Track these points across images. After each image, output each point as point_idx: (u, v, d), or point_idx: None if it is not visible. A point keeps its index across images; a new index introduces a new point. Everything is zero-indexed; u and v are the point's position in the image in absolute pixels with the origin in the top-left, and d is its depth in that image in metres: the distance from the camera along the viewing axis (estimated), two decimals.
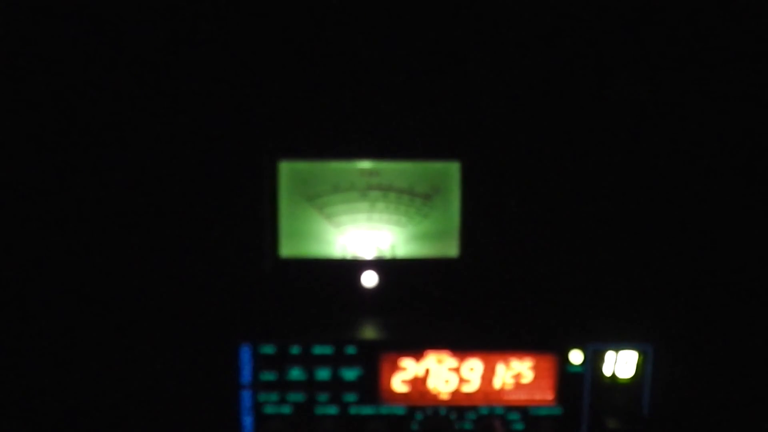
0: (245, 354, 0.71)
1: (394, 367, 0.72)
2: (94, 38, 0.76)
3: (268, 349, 0.71)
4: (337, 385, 0.72)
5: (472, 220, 0.79)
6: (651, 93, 0.79)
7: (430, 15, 0.78)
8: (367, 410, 0.72)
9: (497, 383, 0.72)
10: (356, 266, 0.79)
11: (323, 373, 0.71)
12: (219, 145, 0.78)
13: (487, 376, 0.72)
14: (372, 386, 0.72)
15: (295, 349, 0.71)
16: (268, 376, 0.71)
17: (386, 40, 0.78)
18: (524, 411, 0.72)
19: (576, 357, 0.71)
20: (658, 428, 0.72)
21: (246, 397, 0.72)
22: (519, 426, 0.72)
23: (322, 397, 0.72)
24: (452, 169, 0.79)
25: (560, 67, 0.78)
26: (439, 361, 0.72)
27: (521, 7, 0.77)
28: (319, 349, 0.71)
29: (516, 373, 0.72)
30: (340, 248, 0.79)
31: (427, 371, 0.72)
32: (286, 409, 0.72)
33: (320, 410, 0.72)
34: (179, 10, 0.76)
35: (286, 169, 0.79)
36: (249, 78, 0.78)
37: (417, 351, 0.72)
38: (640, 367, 0.71)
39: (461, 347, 0.72)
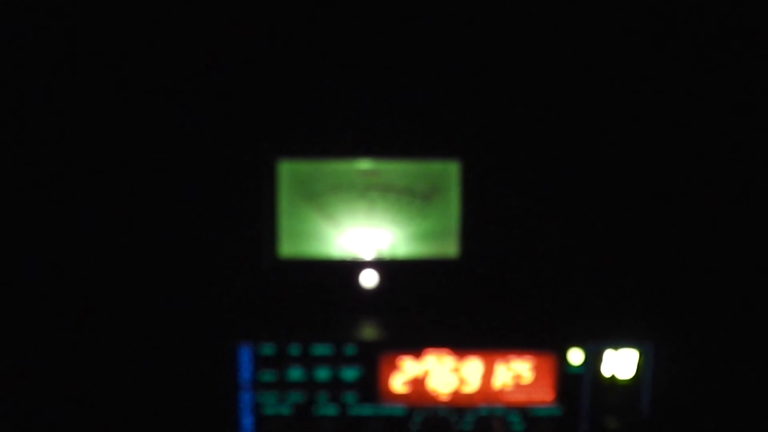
0: (244, 354, 0.71)
1: (394, 367, 0.72)
2: (92, 37, 0.76)
3: (268, 349, 0.71)
4: (336, 385, 0.72)
5: (472, 220, 0.79)
6: (652, 93, 0.79)
7: (429, 14, 0.77)
8: (366, 410, 0.72)
9: (497, 383, 0.72)
10: (356, 266, 0.79)
11: (323, 373, 0.71)
12: (218, 144, 0.78)
13: (487, 376, 0.72)
14: (371, 386, 0.72)
15: (294, 349, 0.71)
16: (268, 376, 0.71)
17: (385, 40, 0.78)
18: (524, 411, 0.72)
19: (576, 356, 0.71)
20: (658, 428, 0.72)
21: (245, 397, 0.71)
22: (519, 426, 0.72)
23: (322, 397, 0.72)
24: (452, 169, 0.79)
25: (560, 66, 0.78)
26: (439, 361, 0.72)
27: (521, 5, 0.77)
28: (318, 349, 0.71)
29: (516, 374, 0.72)
30: (340, 248, 0.79)
31: (427, 371, 0.72)
32: (285, 410, 0.72)
33: (320, 410, 0.72)
34: (178, 9, 0.76)
35: (286, 169, 0.79)
36: (248, 77, 0.78)
37: (416, 351, 0.72)
38: (641, 366, 0.71)
39: (461, 347, 0.72)
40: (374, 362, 0.71)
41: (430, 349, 0.72)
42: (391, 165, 0.79)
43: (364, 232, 0.79)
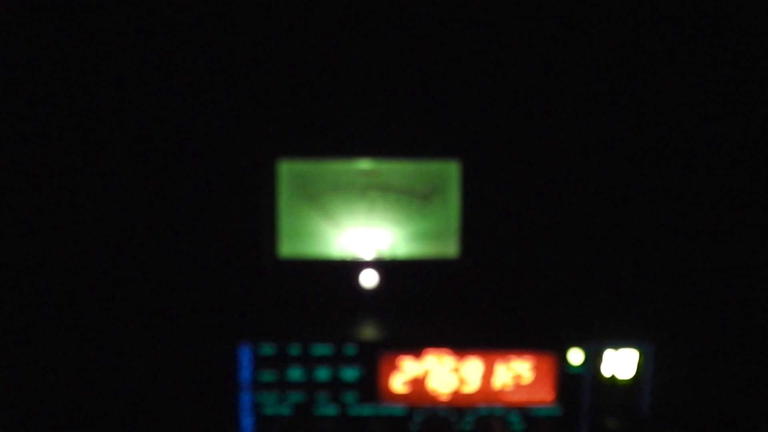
0: (244, 354, 0.71)
1: (394, 367, 0.72)
2: (92, 36, 0.76)
3: (268, 349, 0.71)
4: (336, 385, 0.72)
5: (472, 220, 0.79)
6: (651, 93, 0.79)
7: (429, 13, 0.77)
8: (366, 410, 0.72)
9: (497, 383, 0.72)
10: (356, 266, 0.79)
11: (323, 373, 0.71)
12: (218, 144, 0.78)
13: (487, 376, 0.72)
14: (371, 386, 0.72)
15: (294, 349, 0.71)
16: (268, 376, 0.71)
17: (385, 39, 0.78)
18: (524, 411, 0.72)
19: (576, 356, 0.71)
20: (657, 428, 0.72)
21: (245, 397, 0.71)
22: (519, 426, 0.72)
23: (322, 397, 0.72)
24: (451, 169, 0.79)
25: (560, 66, 0.78)
26: (439, 361, 0.72)
27: (520, 5, 0.77)
28: (318, 349, 0.71)
29: (516, 374, 0.72)
30: (340, 248, 0.79)
31: (427, 371, 0.72)
32: (285, 410, 0.72)
33: (320, 410, 0.72)
34: (179, 8, 0.76)
35: (286, 168, 0.79)
36: (248, 77, 0.78)
37: (416, 351, 0.72)
38: (641, 366, 0.71)
39: (461, 347, 0.72)
40: (374, 362, 0.71)
41: (430, 349, 0.72)
42: (391, 165, 0.79)
43: (364, 232, 0.79)
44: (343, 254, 0.79)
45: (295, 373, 0.71)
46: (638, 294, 0.79)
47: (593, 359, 0.71)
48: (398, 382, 0.72)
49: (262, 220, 0.79)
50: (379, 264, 0.79)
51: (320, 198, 0.79)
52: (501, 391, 0.72)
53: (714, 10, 0.77)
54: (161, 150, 0.78)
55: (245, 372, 0.71)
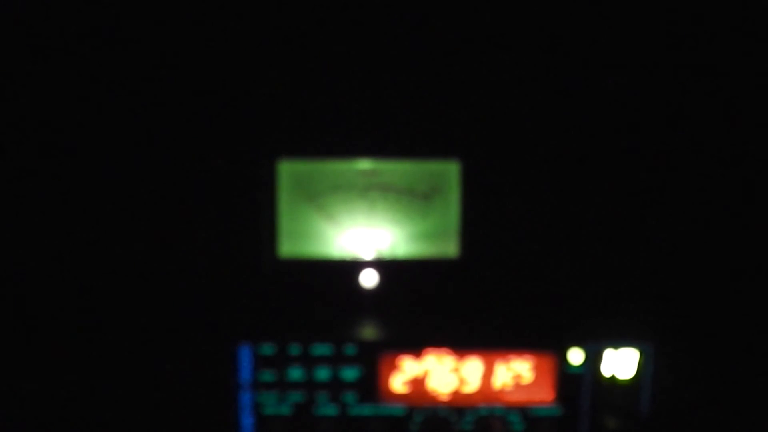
0: (244, 354, 0.71)
1: (394, 367, 0.72)
2: (92, 37, 0.76)
3: (268, 349, 0.71)
4: (336, 385, 0.72)
5: (472, 220, 0.79)
6: (651, 93, 0.79)
7: (430, 13, 0.77)
8: (366, 410, 0.72)
9: (497, 383, 0.72)
10: (356, 266, 0.79)
11: (323, 373, 0.71)
12: (218, 144, 0.78)
13: (487, 376, 0.72)
14: (371, 386, 0.72)
15: (294, 349, 0.71)
16: (268, 376, 0.71)
17: (385, 39, 0.78)
18: (524, 411, 0.72)
19: (576, 356, 0.71)
20: (658, 428, 0.72)
21: (245, 397, 0.71)
22: (519, 426, 0.72)
23: (322, 397, 0.72)
24: (452, 169, 0.79)
25: (560, 66, 0.78)
26: (439, 361, 0.72)
27: (521, 5, 0.77)
28: (318, 349, 0.71)
29: (516, 374, 0.72)
30: (340, 248, 0.79)
31: (427, 371, 0.72)
32: (285, 410, 0.72)
33: (320, 410, 0.72)
34: (178, 8, 0.76)
35: (286, 168, 0.79)
36: (248, 77, 0.78)
37: (416, 351, 0.72)
38: (641, 366, 0.71)
39: (461, 347, 0.72)
40: (374, 362, 0.71)
41: (430, 349, 0.72)
42: (391, 165, 0.79)
43: (364, 232, 0.79)
44: (343, 254, 0.79)
45: (295, 373, 0.71)
46: (638, 294, 0.79)
47: (593, 359, 0.71)
48: (398, 382, 0.72)
49: (262, 220, 0.79)
50: (379, 264, 0.79)
51: (320, 198, 0.79)
52: (501, 391, 0.72)
53: (715, 11, 0.77)
54: (161, 150, 0.78)
55: (245, 372, 0.71)
